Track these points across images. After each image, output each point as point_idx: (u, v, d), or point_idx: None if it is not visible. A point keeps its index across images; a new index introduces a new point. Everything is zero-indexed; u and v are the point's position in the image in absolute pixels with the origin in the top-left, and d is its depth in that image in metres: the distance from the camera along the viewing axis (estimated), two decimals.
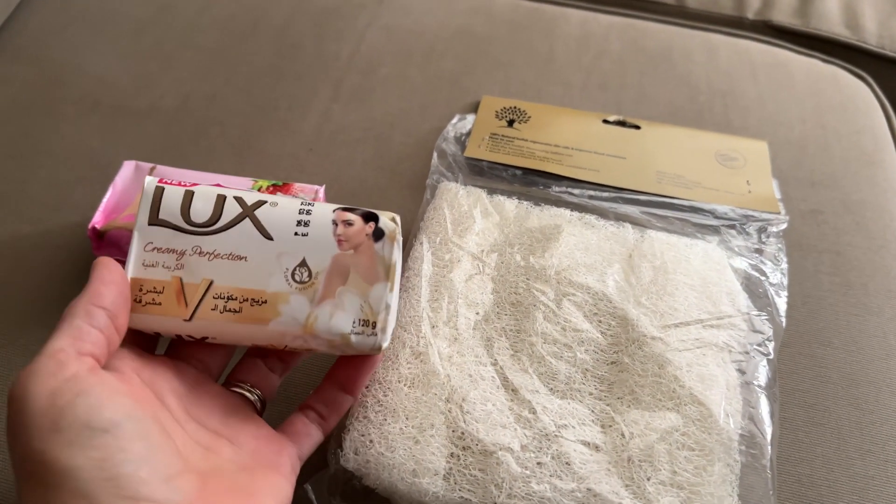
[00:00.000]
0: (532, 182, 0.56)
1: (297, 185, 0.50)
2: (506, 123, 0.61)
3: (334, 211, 0.36)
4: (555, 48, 0.71)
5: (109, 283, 0.32)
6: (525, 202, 0.51)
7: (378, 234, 0.36)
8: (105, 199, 0.49)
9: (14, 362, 0.47)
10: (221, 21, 0.72)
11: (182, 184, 0.37)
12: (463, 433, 0.39)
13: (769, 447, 0.41)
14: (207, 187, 0.37)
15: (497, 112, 0.62)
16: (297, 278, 0.35)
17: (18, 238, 0.53)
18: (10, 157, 0.59)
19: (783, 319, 0.48)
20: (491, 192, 0.52)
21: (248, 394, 0.37)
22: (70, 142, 0.61)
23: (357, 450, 0.38)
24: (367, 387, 0.41)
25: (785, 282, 0.50)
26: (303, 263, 0.35)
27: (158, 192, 0.36)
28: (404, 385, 0.40)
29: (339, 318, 0.35)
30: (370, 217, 0.37)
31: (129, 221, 0.48)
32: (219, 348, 0.37)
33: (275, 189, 0.50)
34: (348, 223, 0.36)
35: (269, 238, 0.36)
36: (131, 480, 0.26)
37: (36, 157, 0.59)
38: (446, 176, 0.55)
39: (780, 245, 0.52)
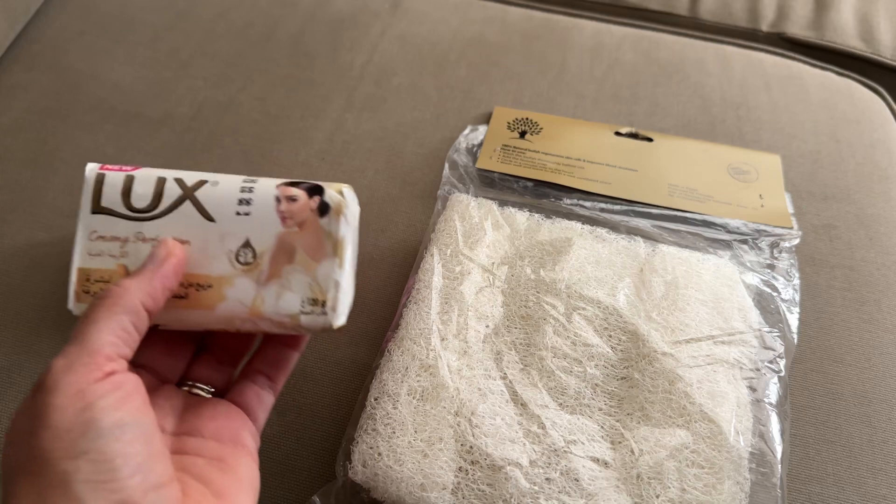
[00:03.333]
0: (543, 194, 0.56)
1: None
2: (518, 135, 0.61)
3: (277, 186, 0.35)
4: (568, 59, 0.71)
5: (167, 274, 0.32)
6: (536, 214, 0.51)
7: (323, 209, 0.35)
8: None
9: (27, 368, 0.48)
10: (237, 29, 0.73)
11: (123, 168, 0.36)
12: (472, 447, 0.39)
13: (779, 465, 0.41)
14: (148, 170, 0.36)
15: (509, 123, 0.62)
16: (241, 260, 0.34)
17: (33, 245, 0.54)
18: (26, 164, 0.60)
19: (795, 336, 0.48)
20: (502, 203, 0.52)
21: (202, 393, 0.36)
22: (85, 148, 0.61)
23: (365, 462, 0.38)
24: (375, 399, 0.41)
25: (797, 298, 0.50)
26: (246, 244, 0.34)
27: (100, 179, 0.35)
28: (413, 398, 0.40)
29: (287, 299, 0.34)
30: (315, 191, 0.35)
31: None
32: (176, 352, 0.37)
33: None
34: (292, 199, 0.35)
35: (211, 220, 0.34)
36: (125, 485, 0.26)
37: (52, 163, 0.60)
38: (457, 187, 0.55)
39: (792, 260, 0.52)
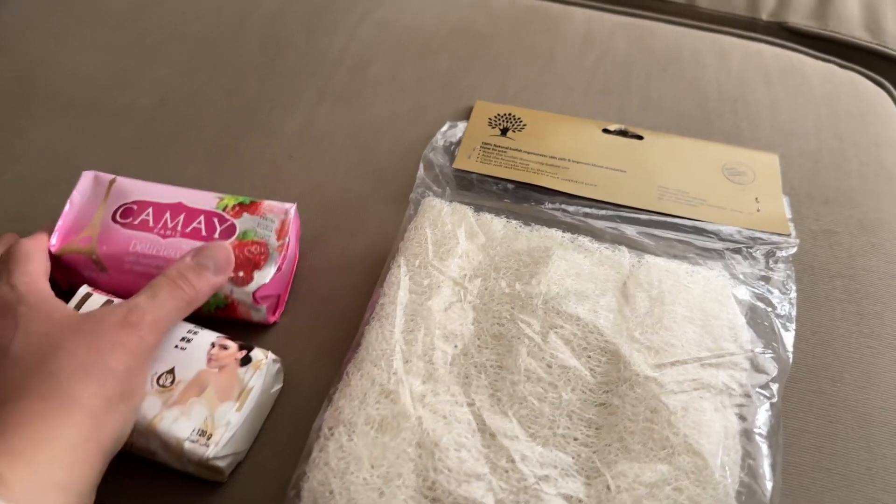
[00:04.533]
0: (524, 197, 0.52)
1: (267, 204, 0.47)
2: (499, 132, 0.57)
3: (218, 336, 0.41)
4: (556, 48, 0.67)
5: None
6: (514, 221, 0.48)
7: (245, 361, 0.40)
8: (62, 218, 0.46)
9: None
10: (208, 13, 0.69)
11: (108, 294, 0.43)
12: (433, 483, 0.35)
13: None
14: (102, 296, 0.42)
15: (490, 119, 0.58)
16: (160, 382, 0.39)
17: None
18: None
19: (790, 355, 0.44)
20: (478, 209, 0.48)
21: None
22: (40, 144, 0.57)
23: (315, 500, 0.35)
24: (329, 428, 0.37)
25: (793, 313, 0.46)
26: (171, 371, 0.39)
27: (87, 295, 0.42)
28: (371, 428, 0.37)
29: (181, 424, 0.38)
30: (246, 347, 0.41)
31: (86, 245, 0.45)
32: None
33: (241, 209, 0.47)
34: (224, 347, 0.41)
35: None
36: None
37: (1, 160, 0.56)
38: (433, 189, 0.52)
39: (789, 272, 0.48)
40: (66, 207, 0.46)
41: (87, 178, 0.48)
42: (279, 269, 0.45)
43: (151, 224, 0.45)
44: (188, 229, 0.45)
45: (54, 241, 0.45)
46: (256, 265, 0.44)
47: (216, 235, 0.45)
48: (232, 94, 0.62)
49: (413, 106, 0.61)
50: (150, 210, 0.46)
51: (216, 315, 0.45)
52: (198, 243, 0.44)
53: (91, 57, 0.64)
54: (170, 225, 0.45)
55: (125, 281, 0.44)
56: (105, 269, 0.44)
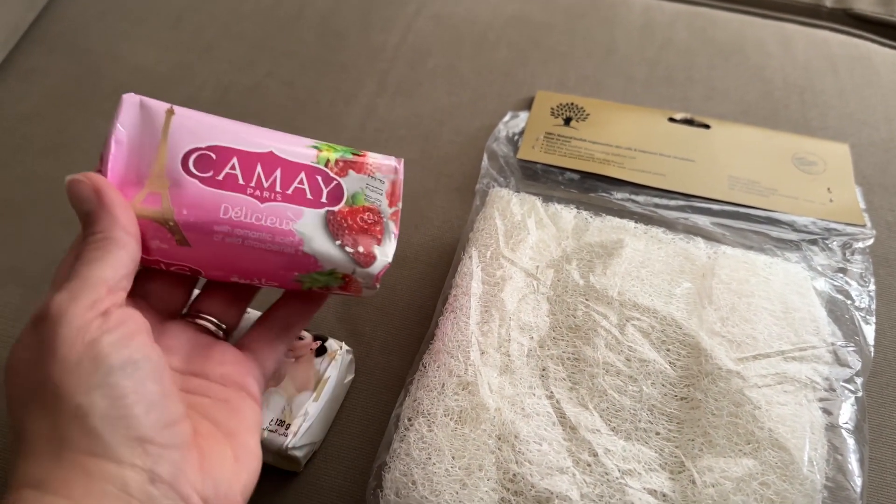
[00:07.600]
0: (591, 187, 0.52)
1: (372, 160, 0.37)
2: (562, 121, 0.56)
3: None
4: (616, 38, 0.66)
5: (121, 205, 0.30)
6: (584, 212, 0.47)
7: (320, 351, 0.41)
8: (110, 165, 0.32)
9: None
10: (265, 8, 0.69)
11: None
12: (515, 475, 0.35)
13: (859, 501, 0.36)
14: None
15: (553, 109, 0.57)
16: None
17: (50, 241, 0.51)
18: (45, 154, 0.57)
19: (871, 349, 0.43)
20: (546, 199, 0.48)
21: (210, 325, 0.36)
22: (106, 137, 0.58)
23: (398, 491, 0.35)
24: (409, 419, 0.37)
25: (873, 306, 0.45)
26: None
27: None
28: (451, 419, 0.37)
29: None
30: (319, 337, 0.42)
31: (156, 207, 0.32)
32: (178, 285, 0.35)
33: (346, 165, 0.36)
34: (299, 336, 0.41)
35: None
36: (140, 422, 0.26)
37: (70, 153, 0.57)
38: (497, 180, 0.51)
39: (866, 263, 0.47)
40: (112, 148, 0.32)
41: (131, 105, 0.34)
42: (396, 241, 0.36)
43: (241, 181, 0.33)
44: (289, 190, 0.34)
45: None
46: (376, 238, 0.35)
47: (324, 199, 0.35)
48: (293, 87, 0.62)
49: (472, 97, 0.61)
50: (235, 161, 0.34)
51: (323, 292, 0.38)
52: (303, 209, 0.34)
53: (151, 52, 0.65)
54: (265, 184, 0.34)
55: (213, 258, 0.34)
56: (187, 243, 0.33)
